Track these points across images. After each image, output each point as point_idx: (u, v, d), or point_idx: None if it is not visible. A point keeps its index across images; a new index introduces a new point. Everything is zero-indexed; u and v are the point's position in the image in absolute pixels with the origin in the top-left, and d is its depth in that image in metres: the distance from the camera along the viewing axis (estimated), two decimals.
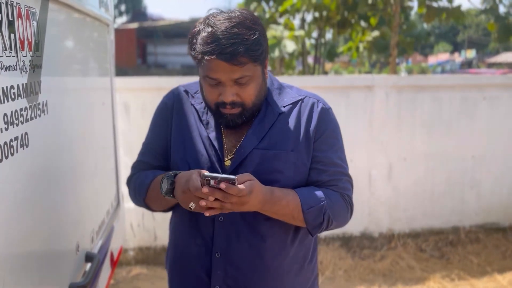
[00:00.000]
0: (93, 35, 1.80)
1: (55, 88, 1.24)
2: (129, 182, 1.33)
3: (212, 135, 1.20)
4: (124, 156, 2.73)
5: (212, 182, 0.99)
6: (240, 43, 1.04)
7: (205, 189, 0.99)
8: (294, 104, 1.22)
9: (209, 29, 1.06)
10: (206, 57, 1.05)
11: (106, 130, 1.96)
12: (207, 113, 1.23)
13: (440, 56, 33.66)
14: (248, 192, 1.02)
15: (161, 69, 20.27)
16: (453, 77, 3.69)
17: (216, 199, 1.01)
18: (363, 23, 6.93)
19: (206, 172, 1.01)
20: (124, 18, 32.52)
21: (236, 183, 0.99)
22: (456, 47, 37.23)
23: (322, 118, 1.20)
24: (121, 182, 2.10)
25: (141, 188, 1.25)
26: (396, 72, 5.86)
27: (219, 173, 1.14)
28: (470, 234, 3.65)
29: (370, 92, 3.43)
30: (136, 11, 30.99)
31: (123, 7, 34.10)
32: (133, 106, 3.18)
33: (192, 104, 1.26)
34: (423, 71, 24.50)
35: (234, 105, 1.11)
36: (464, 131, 3.60)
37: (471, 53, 30.61)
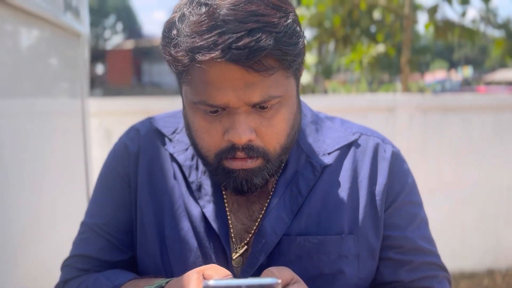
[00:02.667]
0: (52, 48, 1.38)
1: None
2: None
3: (210, 210, 0.72)
4: None
5: None
6: (263, 29, 0.59)
7: None
8: (345, 148, 0.75)
9: (203, 9, 0.60)
10: (200, 58, 0.59)
11: (74, 162, 1.56)
12: (197, 169, 0.75)
13: (437, 74, 33.64)
14: None
15: (157, 88, 19.98)
16: (485, 97, 3.35)
17: None
18: (365, 39, 6.62)
19: (212, 281, 0.53)
20: (120, 37, 32.55)
21: None
22: (452, 65, 37.30)
23: (395, 171, 0.75)
24: None
25: None
26: (409, 90, 5.47)
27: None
28: (507, 278, 3.20)
29: (391, 114, 3.04)
30: (132, 30, 31.03)
31: (119, 26, 34.17)
32: (117, 133, 2.74)
33: (170, 154, 0.77)
34: (421, 90, 24.27)
35: (252, 151, 0.65)
36: (498, 158, 3.20)
37: (468, 71, 30.56)
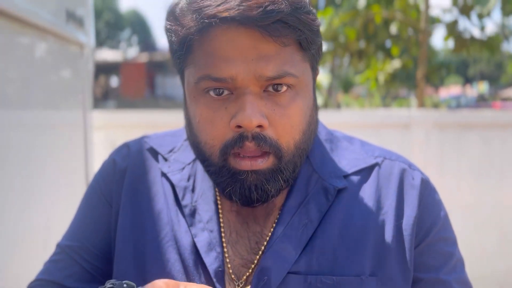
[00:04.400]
0: (53, 59, 1.33)
1: None
2: None
3: (203, 239, 0.61)
4: None
5: None
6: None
7: None
8: (365, 173, 0.65)
9: None
10: (208, 12, 0.53)
11: (75, 176, 1.51)
12: (192, 191, 0.65)
13: (451, 89, 33.28)
14: None
15: (170, 101, 20.13)
16: (506, 115, 3.23)
17: None
18: (380, 54, 6.54)
19: None
20: (135, 50, 33.07)
21: None
22: (467, 80, 36.93)
23: (425, 202, 0.64)
24: None
25: None
26: (424, 106, 5.35)
27: None
28: None
29: (407, 131, 2.93)
30: (146, 43, 31.51)
31: (134, 39, 34.74)
32: None
33: (164, 174, 0.68)
34: (435, 105, 24.00)
35: (263, 142, 0.56)
36: None
37: (483, 87, 30.18)
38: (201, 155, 0.61)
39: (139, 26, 34.37)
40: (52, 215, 1.28)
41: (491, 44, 4.83)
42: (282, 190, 0.61)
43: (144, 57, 23.09)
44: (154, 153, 0.71)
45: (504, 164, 3.06)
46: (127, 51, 31.64)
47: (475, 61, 35.20)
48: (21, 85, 1.08)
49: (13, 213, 1.04)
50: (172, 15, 0.59)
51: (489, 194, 3.06)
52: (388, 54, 6.36)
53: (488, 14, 4.34)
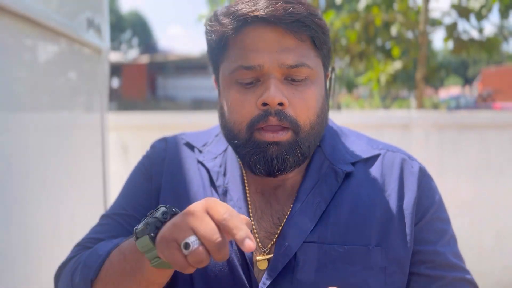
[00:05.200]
0: (74, 64, 1.41)
1: (12, 137, 0.93)
2: (61, 271, 0.76)
3: None
4: None
5: None
6: (298, 2, 0.69)
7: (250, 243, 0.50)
8: (368, 161, 0.76)
9: None
10: (241, 12, 0.67)
11: (94, 176, 1.59)
12: (224, 175, 0.76)
13: (451, 90, 33.30)
14: None
15: (171, 102, 20.17)
16: (503, 115, 3.29)
17: None
18: (380, 55, 6.60)
19: None
20: (135, 51, 33.06)
21: None
22: (467, 81, 36.94)
23: (423, 186, 0.75)
24: None
25: (89, 266, 0.69)
26: (423, 107, 5.43)
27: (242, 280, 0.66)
28: None
29: (407, 131, 3.00)
30: (147, 45, 31.50)
31: (134, 41, 34.73)
32: (133, 146, 2.77)
33: (199, 162, 0.79)
34: (435, 106, 24.03)
35: (284, 118, 0.67)
36: None
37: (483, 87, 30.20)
38: (231, 134, 0.72)
39: (140, 27, 34.42)
40: (77, 210, 1.36)
41: (489, 45, 4.91)
42: (299, 164, 0.71)
43: (145, 59, 23.12)
44: (190, 146, 0.83)
45: (501, 163, 3.12)
46: (128, 53, 31.69)
47: (475, 62, 35.22)
48: (47, 88, 1.16)
49: (43, 209, 1.12)
50: (213, 18, 0.72)
51: (487, 192, 3.11)
52: (389, 55, 6.43)
53: (486, 17, 4.42)
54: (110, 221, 0.79)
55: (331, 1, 6.62)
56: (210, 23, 0.73)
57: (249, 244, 0.49)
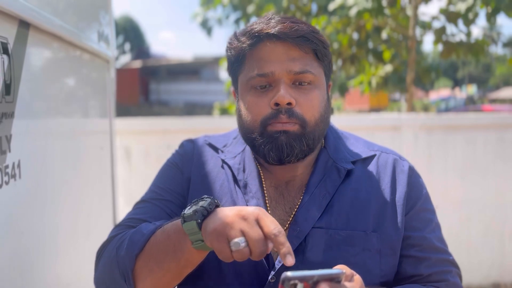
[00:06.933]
0: (88, 73, 1.52)
1: (32, 142, 0.98)
2: (104, 248, 0.85)
3: (253, 204, 0.85)
4: (125, 207, 2.38)
5: (300, 286, 0.60)
6: (303, 22, 0.84)
7: (291, 260, 0.62)
8: (366, 160, 0.90)
9: (261, 18, 0.86)
10: (256, 29, 0.83)
11: (103, 179, 1.68)
12: (243, 171, 0.89)
13: (441, 92, 33.69)
14: None
15: (164, 106, 20.20)
16: (488, 116, 3.42)
17: None
18: (372, 59, 6.72)
19: (290, 273, 0.60)
20: (128, 56, 32.98)
21: (343, 281, 0.63)
22: (457, 83, 37.38)
23: (412, 182, 0.89)
24: None
25: (135, 242, 0.78)
26: (413, 110, 5.57)
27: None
28: None
29: (397, 133, 3.13)
30: (140, 50, 31.45)
31: (127, 46, 34.65)
32: (135, 150, 2.85)
33: (223, 160, 0.93)
34: (425, 107, 24.34)
35: (292, 114, 0.81)
36: (502, 175, 3.25)
37: (472, 89, 30.63)
38: (248, 130, 0.85)
39: (132, 33, 34.37)
40: (93, 210, 1.47)
41: (476, 48, 5.06)
42: (304, 155, 0.84)
43: (137, 64, 23.12)
44: (214, 147, 0.97)
45: (487, 162, 3.25)
46: (120, 58, 31.63)
47: (464, 64, 35.67)
48: (63, 96, 1.24)
49: (64, 209, 1.22)
50: (232, 37, 0.88)
51: (474, 191, 3.24)
52: (380, 59, 6.56)
53: (473, 21, 4.57)
54: (148, 205, 0.91)
55: (323, 7, 6.74)
56: (229, 42, 0.88)
57: (290, 260, 0.61)
